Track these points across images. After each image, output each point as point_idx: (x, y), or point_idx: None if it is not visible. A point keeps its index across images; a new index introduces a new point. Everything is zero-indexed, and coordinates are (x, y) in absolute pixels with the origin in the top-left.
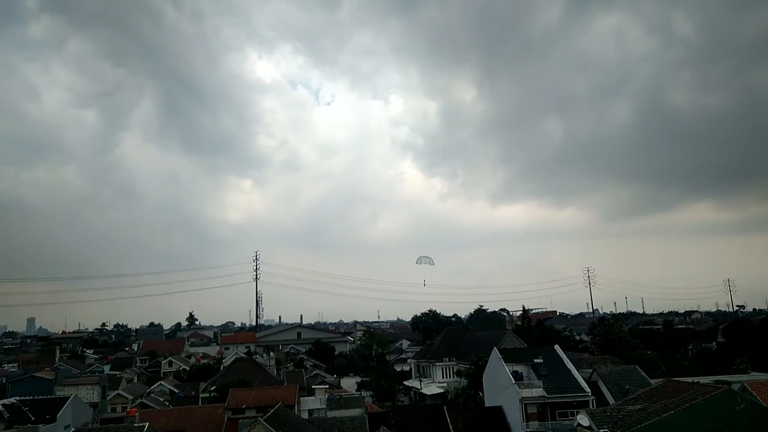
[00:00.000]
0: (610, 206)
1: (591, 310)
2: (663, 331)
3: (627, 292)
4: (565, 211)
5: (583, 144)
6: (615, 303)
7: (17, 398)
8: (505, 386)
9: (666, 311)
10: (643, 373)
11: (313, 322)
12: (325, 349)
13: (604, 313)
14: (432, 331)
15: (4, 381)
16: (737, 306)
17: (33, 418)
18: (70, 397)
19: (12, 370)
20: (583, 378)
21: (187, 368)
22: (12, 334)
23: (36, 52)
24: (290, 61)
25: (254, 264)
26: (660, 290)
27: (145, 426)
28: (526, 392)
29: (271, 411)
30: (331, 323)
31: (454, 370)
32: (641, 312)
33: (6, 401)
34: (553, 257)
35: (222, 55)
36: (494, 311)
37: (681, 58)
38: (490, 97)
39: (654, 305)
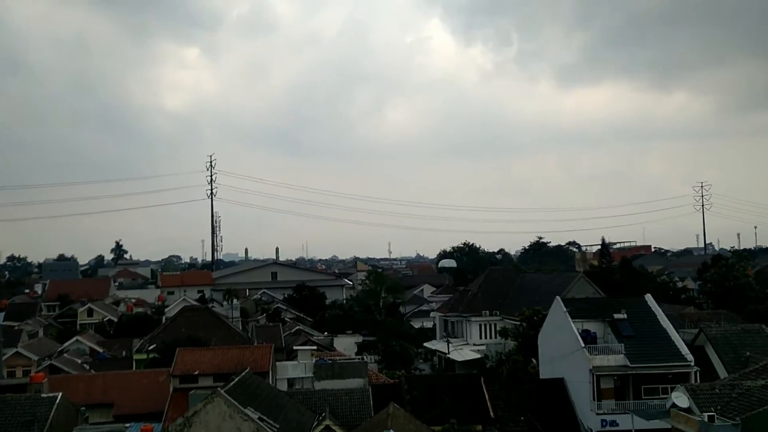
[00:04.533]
0: (739, 91)
1: (702, 246)
2: None
3: (758, 219)
4: (672, 97)
5: None
6: (738, 235)
7: None
8: (570, 351)
9: None
10: None
11: (294, 259)
12: (312, 295)
13: (722, 249)
14: (468, 274)
15: None
16: None
17: None
18: None
19: None
20: (684, 341)
21: (115, 319)
22: None
23: None
24: None
25: (208, 174)
26: None
27: (56, 397)
28: (600, 360)
29: (235, 379)
30: (320, 260)
31: (498, 329)
32: None
33: None
34: (651, 167)
35: None
36: (559, 246)
37: None
38: None
39: None
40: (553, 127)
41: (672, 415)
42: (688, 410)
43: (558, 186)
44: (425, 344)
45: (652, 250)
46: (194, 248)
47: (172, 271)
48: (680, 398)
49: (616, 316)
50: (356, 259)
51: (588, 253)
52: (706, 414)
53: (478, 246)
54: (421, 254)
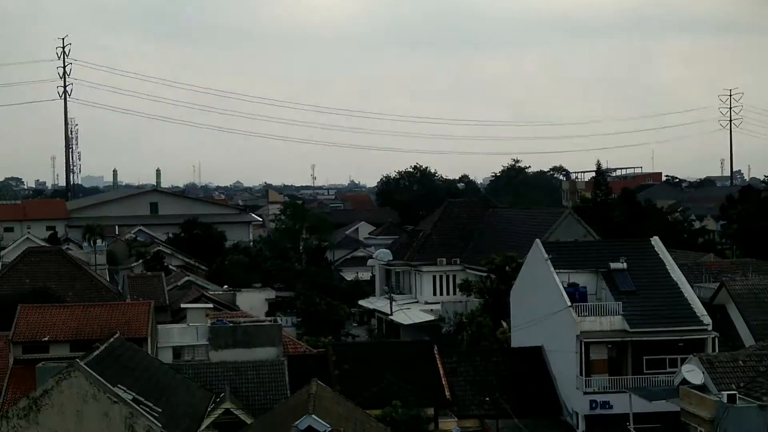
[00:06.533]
0: None
1: (728, 174)
2: None
3: None
4: None
5: None
6: None
7: None
8: (551, 311)
9: None
10: None
11: (182, 186)
12: (207, 236)
13: (753, 178)
14: (419, 208)
15: None
16: None
17: None
18: None
19: None
20: (701, 299)
21: None
22: None
23: None
24: None
25: (59, 64)
26: None
27: None
28: (591, 323)
29: (101, 348)
30: (218, 188)
31: (458, 282)
32: None
33: None
34: (665, 70)
35: None
36: (541, 172)
37: None
38: None
39: None
40: (536, 13)
41: (682, 394)
42: (702, 388)
43: (542, 93)
44: (360, 302)
45: (663, 179)
46: (42, 168)
47: (10, 200)
48: (693, 373)
49: (612, 265)
50: (267, 187)
51: (579, 183)
52: (725, 393)
53: (433, 171)
54: (356, 181)
